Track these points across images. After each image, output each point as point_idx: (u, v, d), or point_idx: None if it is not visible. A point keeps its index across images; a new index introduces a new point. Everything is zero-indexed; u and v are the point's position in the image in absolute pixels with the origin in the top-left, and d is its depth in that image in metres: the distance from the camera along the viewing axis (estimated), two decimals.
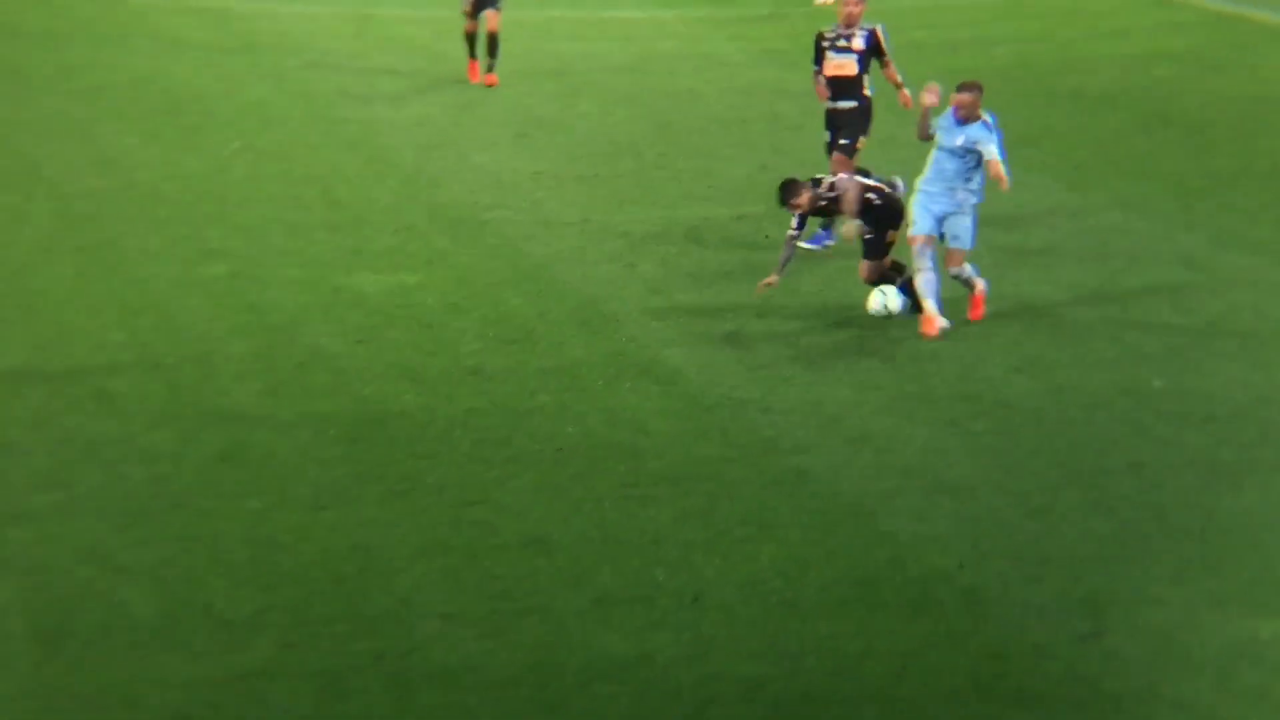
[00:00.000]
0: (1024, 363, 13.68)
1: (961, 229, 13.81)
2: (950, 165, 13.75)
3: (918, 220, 13.89)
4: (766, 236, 16.20)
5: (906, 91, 14.22)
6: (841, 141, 14.03)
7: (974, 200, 13.88)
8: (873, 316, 13.73)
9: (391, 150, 19.24)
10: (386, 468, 11.82)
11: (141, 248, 15.78)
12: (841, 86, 14.07)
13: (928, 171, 13.86)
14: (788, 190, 14.02)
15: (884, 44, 14.05)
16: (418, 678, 8.99)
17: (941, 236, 13.99)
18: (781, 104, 21.09)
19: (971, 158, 13.74)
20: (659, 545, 10.51)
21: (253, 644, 9.30)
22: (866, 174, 14.84)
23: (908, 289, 14.11)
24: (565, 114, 20.85)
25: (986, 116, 13.76)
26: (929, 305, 13.73)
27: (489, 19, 21.45)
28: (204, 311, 14.43)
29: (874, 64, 15.26)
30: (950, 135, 13.72)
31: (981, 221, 15.97)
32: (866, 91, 14.70)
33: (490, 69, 21.54)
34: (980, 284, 14.01)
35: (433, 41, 24.23)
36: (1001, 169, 13.72)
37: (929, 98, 13.72)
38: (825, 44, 14.01)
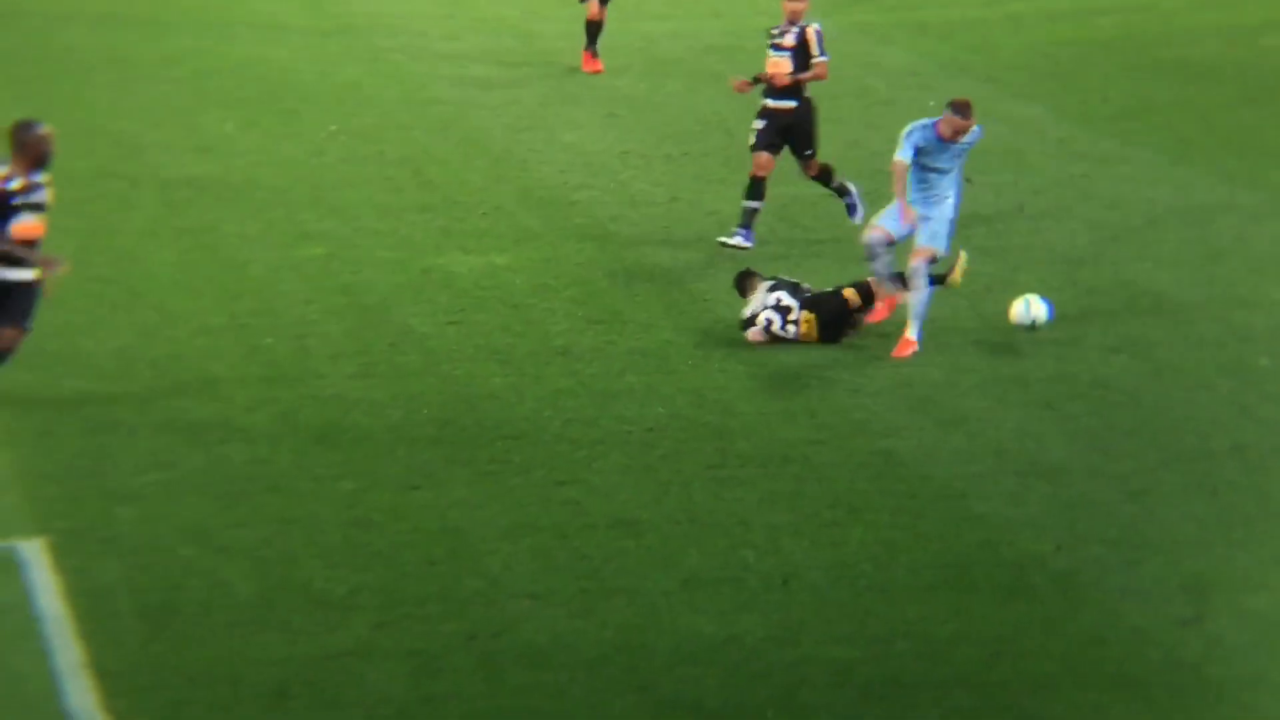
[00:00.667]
0: (1123, 343, 13.45)
1: (943, 231, 13.16)
2: (942, 180, 13.17)
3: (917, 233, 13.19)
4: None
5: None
6: (806, 153, 13.55)
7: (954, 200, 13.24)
8: (1016, 324, 12.89)
9: (481, 131, 19.30)
10: (476, 449, 11.86)
11: (240, 232, 15.97)
12: (779, 85, 13.45)
13: (913, 192, 13.15)
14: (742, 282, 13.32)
15: (813, 44, 13.47)
16: (508, 657, 9.02)
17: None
18: (872, 79, 20.88)
19: (958, 163, 13.22)
20: (747, 527, 10.46)
21: (347, 623, 9.39)
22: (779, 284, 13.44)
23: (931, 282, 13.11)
24: (653, 93, 20.78)
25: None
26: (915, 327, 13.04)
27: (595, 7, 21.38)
28: (300, 294, 14.56)
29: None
30: (940, 157, 13.09)
31: (1083, 198, 15.71)
32: (806, 93, 14.09)
33: (595, 55, 21.52)
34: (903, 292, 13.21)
35: (523, 21, 24.25)
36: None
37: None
38: (768, 41, 13.59)
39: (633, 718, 8.38)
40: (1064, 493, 10.89)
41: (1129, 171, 17.22)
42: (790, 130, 14.38)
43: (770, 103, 14.36)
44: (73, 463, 11.37)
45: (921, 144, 13.04)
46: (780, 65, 13.96)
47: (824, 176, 15.02)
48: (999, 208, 16.98)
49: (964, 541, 10.23)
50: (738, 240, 14.68)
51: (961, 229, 15.89)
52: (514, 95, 20.70)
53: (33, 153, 11.19)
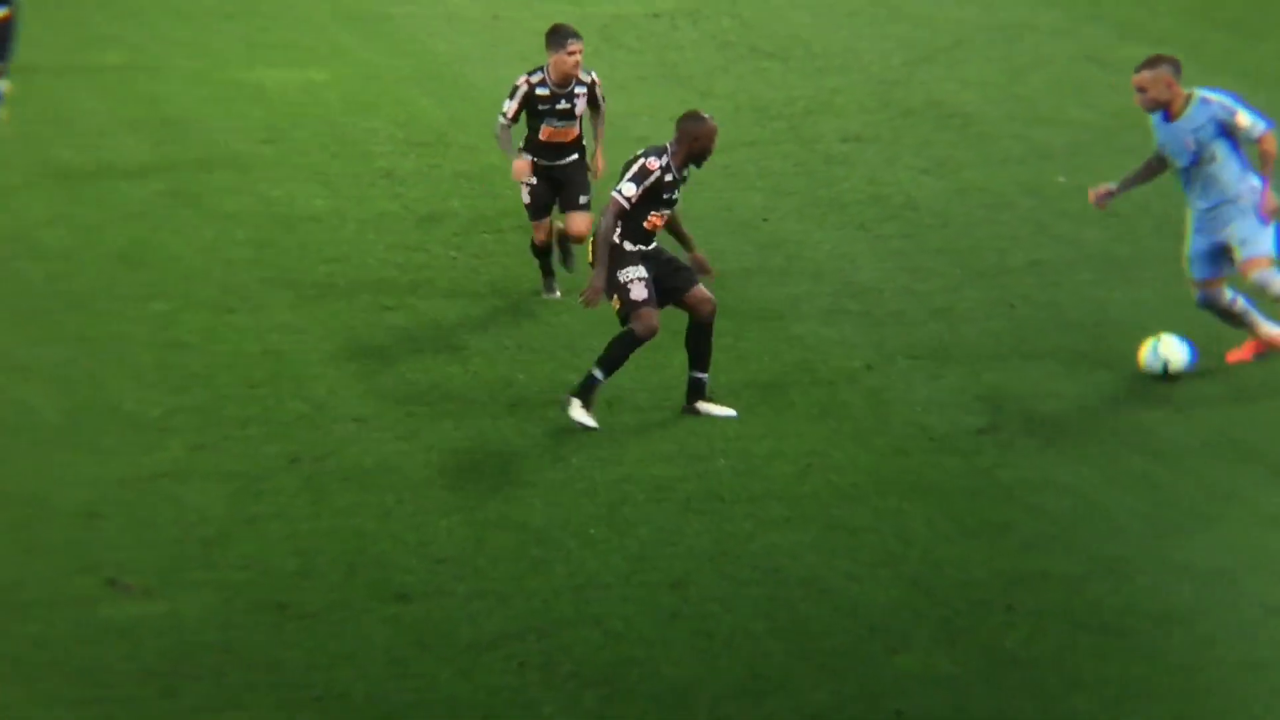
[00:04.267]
0: (932, 164, 13.81)
1: (1250, 230, 9.76)
2: (1200, 180, 9.84)
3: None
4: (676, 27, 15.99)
5: (602, 159, 11.18)
6: (581, 200, 11.10)
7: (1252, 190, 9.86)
8: (1147, 371, 9.90)
9: None
10: (297, 272, 11.78)
11: (23, 34, 15.33)
12: (562, 148, 11.11)
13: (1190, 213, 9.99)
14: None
15: (600, 94, 11.12)
16: (332, 479, 9.11)
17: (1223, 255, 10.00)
18: None
19: (1213, 150, 9.78)
20: (573, 352, 10.63)
21: (163, 445, 9.36)
22: None
23: None
24: None
25: (1203, 94, 9.85)
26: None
27: None
28: (95, 104, 14.09)
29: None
30: (1175, 139, 9.81)
31: (895, 17, 15.83)
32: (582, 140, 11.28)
33: None
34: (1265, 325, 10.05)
35: None
36: (1273, 141, 9.68)
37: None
38: (541, 105, 10.98)
39: (457, 534, 8.57)
40: (875, 311, 11.27)
41: None
42: (566, 179, 11.38)
43: (554, 163, 11.33)
44: None
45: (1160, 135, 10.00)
46: (566, 134, 11.12)
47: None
48: (816, 28, 17.12)
49: (781, 361, 10.56)
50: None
51: (777, 56, 16.05)
52: None
53: None
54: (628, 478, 9.15)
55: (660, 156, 9.69)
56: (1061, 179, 13.31)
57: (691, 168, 9.81)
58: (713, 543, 8.49)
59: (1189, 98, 9.96)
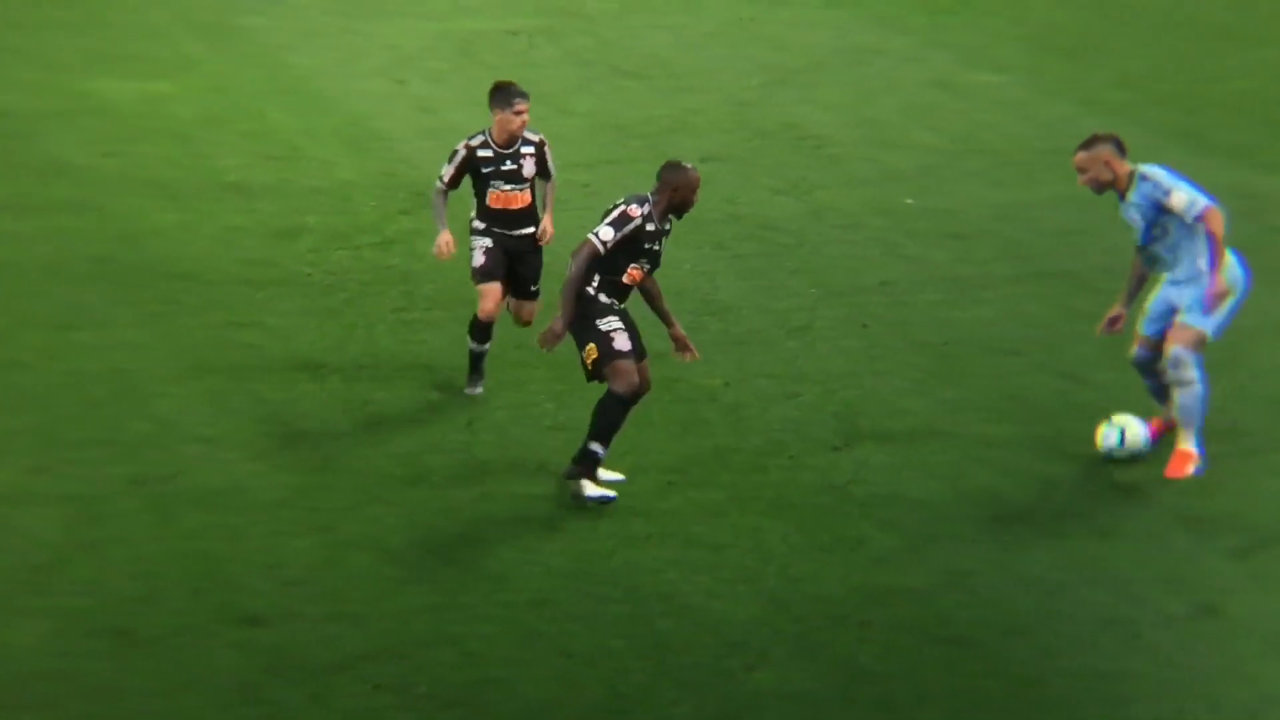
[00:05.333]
0: (787, 184, 13.96)
1: (1197, 302, 9.26)
2: (1161, 256, 9.39)
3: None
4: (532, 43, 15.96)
5: (550, 225, 10.37)
6: (532, 289, 10.35)
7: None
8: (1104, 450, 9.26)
9: None
10: (141, 288, 11.49)
11: None
12: (514, 216, 10.22)
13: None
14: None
15: (549, 156, 10.29)
16: (179, 501, 8.88)
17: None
18: None
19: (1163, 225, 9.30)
20: (432, 371, 10.50)
21: None
22: None
23: None
24: None
25: (1142, 171, 9.32)
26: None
27: None
28: None
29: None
30: (1128, 217, 9.40)
31: (752, 40, 15.92)
32: (536, 211, 10.39)
33: None
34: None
35: None
36: (1216, 219, 9.18)
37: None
38: (485, 168, 10.17)
39: (311, 556, 8.41)
40: (734, 329, 11.33)
41: (791, 15, 17.69)
42: (522, 256, 10.44)
43: (511, 233, 10.41)
44: None
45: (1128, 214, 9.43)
46: (517, 199, 10.24)
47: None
48: (675, 48, 17.22)
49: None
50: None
51: (636, 75, 16.10)
52: None
53: None
54: (488, 496, 9.06)
55: (642, 205, 8.99)
56: (910, 201, 13.54)
57: (672, 219, 9.12)
58: (574, 561, 8.44)
59: (1132, 174, 9.24)
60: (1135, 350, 9.45)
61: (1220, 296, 9.19)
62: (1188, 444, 9.03)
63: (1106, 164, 9.32)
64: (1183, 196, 9.22)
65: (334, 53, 16.21)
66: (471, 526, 8.75)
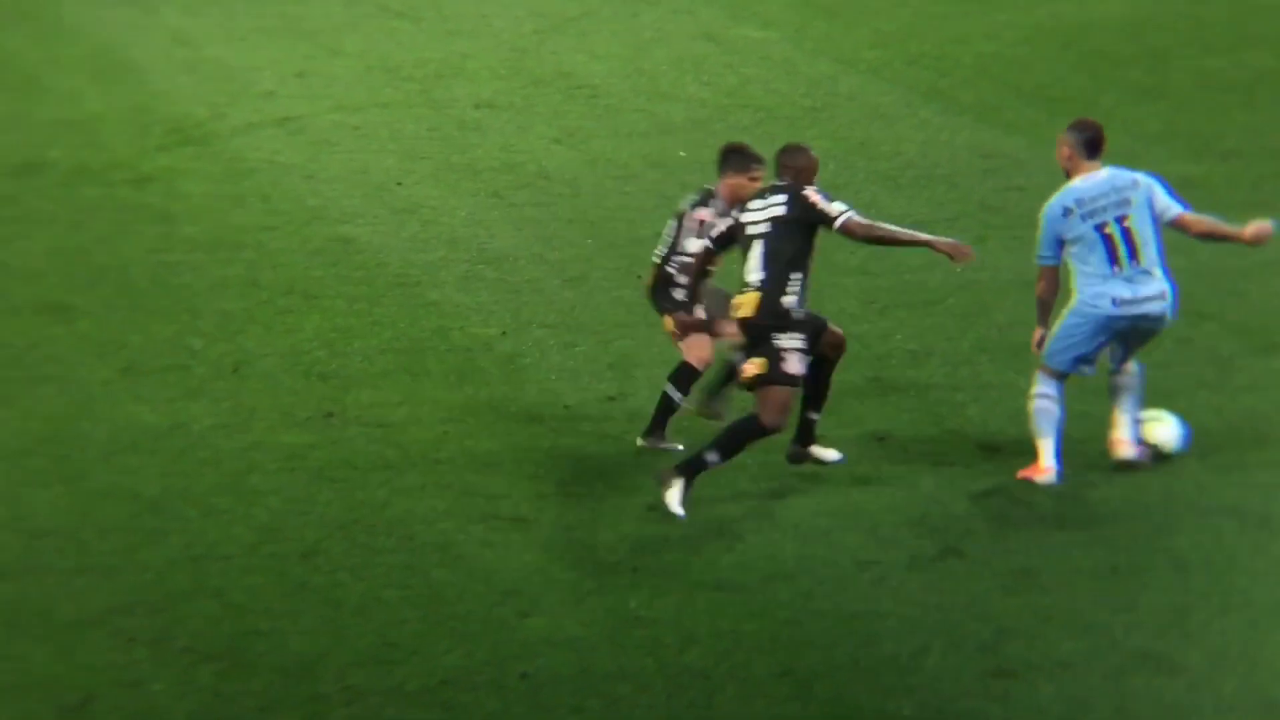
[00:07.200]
0: (563, 134, 14.02)
1: None
2: None
3: None
4: None
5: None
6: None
7: None
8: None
9: None
10: None
11: None
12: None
13: None
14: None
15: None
16: None
17: None
18: None
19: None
20: (194, 314, 10.31)
21: None
22: None
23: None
24: None
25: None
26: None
27: None
28: None
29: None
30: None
31: (516, 3, 15.88)
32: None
33: None
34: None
35: None
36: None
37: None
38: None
39: (59, 506, 8.23)
40: (511, 279, 11.37)
41: None
42: None
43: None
44: None
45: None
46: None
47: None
48: None
49: (418, 328, 10.53)
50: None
51: (407, 16, 15.90)
52: None
53: None
54: (256, 445, 8.96)
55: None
56: (682, 153, 13.72)
57: None
58: (345, 511, 8.41)
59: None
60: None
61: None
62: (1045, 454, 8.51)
63: (1065, 155, 8.59)
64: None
65: None
66: (237, 477, 8.64)
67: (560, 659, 7.27)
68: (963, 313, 9.23)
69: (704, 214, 9.11)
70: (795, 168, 8.57)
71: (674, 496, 8.37)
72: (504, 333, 10.54)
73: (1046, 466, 8.67)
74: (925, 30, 16.27)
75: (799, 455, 8.66)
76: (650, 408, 9.30)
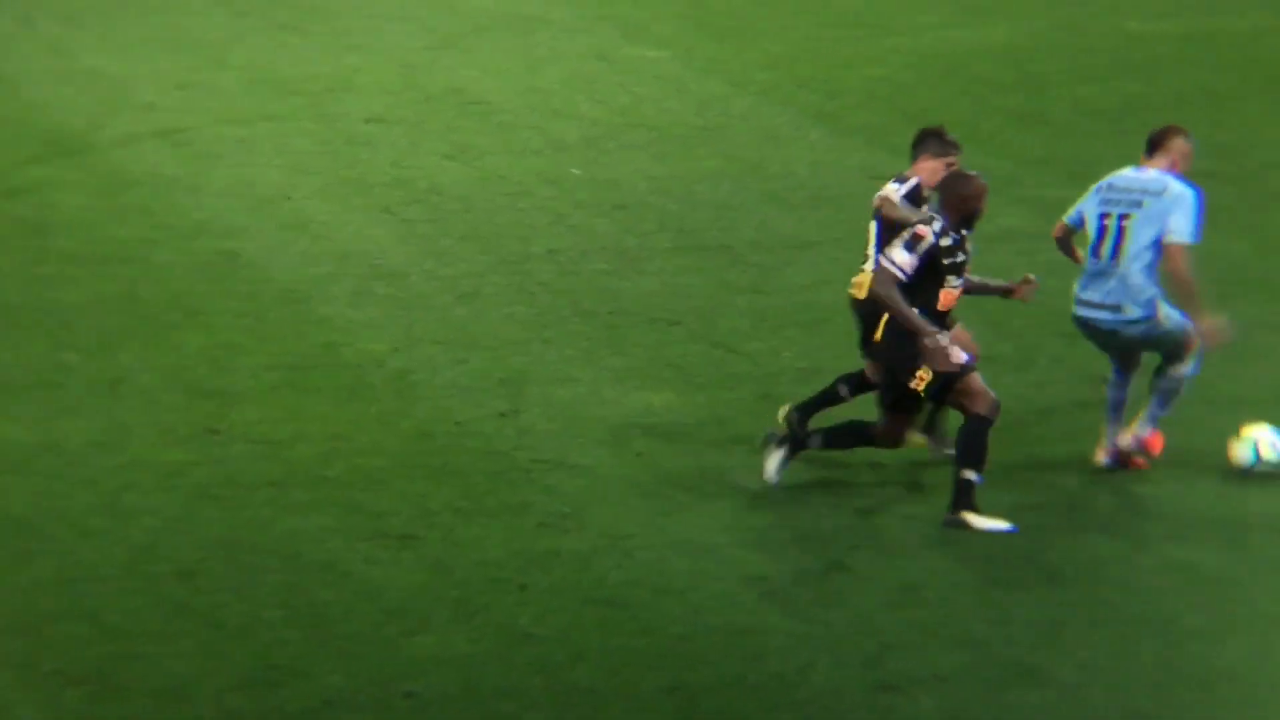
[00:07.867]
0: (455, 150, 13.96)
1: None
2: None
3: None
4: None
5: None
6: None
7: None
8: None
9: None
10: None
11: None
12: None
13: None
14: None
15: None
16: None
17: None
18: None
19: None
20: (70, 330, 10.09)
21: None
22: None
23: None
24: None
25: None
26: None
27: None
28: None
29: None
30: None
31: (407, 13, 15.85)
32: None
33: None
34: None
35: None
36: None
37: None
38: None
39: None
40: (402, 295, 11.27)
41: None
42: None
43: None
44: None
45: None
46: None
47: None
48: (340, 2, 16.96)
49: (306, 343, 10.40)
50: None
51: (296, 29, 15.79)
52: None
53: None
54: (133, 463, 8.79)
55: (928, 224, 8.36)
56: (576, 171, 13.73)
57: (965, 232, 8.44)
58: (228, 530, 8.27)
59: None
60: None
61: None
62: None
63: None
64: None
65: None
66: (113, 496, 8.46)
67: (447, 677, 7.19)
68: (851, 331, 9.29)
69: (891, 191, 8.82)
70: (956, 197, 8.48)
71: (983, 522, 8.29)
72: (395, 349, 10.44)
73: (1105, 447, 8.76)
74: (814, 54, 16.46)
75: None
76: (542, 423, 9.25)
